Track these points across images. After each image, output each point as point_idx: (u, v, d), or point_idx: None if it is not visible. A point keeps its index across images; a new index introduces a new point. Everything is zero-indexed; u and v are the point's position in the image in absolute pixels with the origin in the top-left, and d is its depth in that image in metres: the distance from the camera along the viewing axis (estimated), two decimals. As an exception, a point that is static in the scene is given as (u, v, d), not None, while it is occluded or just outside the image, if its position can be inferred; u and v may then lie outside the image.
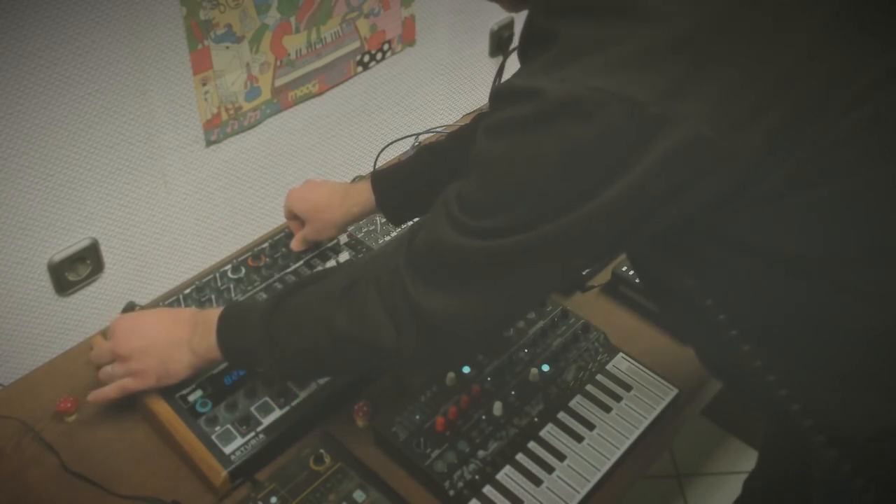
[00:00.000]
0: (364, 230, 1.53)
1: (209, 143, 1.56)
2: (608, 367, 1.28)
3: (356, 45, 1.71)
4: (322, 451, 1.15)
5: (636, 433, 1.20)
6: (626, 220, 0.79)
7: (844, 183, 0.79)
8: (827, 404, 0.90)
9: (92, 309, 1.52)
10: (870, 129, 0.79)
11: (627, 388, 1.26)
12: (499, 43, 2.04)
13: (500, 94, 0.81)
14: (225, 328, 1.10)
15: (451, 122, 1.70)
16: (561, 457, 1.16)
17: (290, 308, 1.04)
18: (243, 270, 1.42)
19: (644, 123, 0.72)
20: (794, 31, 0.75)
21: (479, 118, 1.05)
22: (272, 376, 1.19)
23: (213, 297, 1.32)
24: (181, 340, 1.15)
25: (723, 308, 0.89)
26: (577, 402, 1.23)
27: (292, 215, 1.44)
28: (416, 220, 0.89)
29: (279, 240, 1.48)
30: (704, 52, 0.73)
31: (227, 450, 1.13)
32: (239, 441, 1.15)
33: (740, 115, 0.74)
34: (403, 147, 1.61)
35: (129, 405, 1.23)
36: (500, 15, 2.02)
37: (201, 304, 1.31)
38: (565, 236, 0.80)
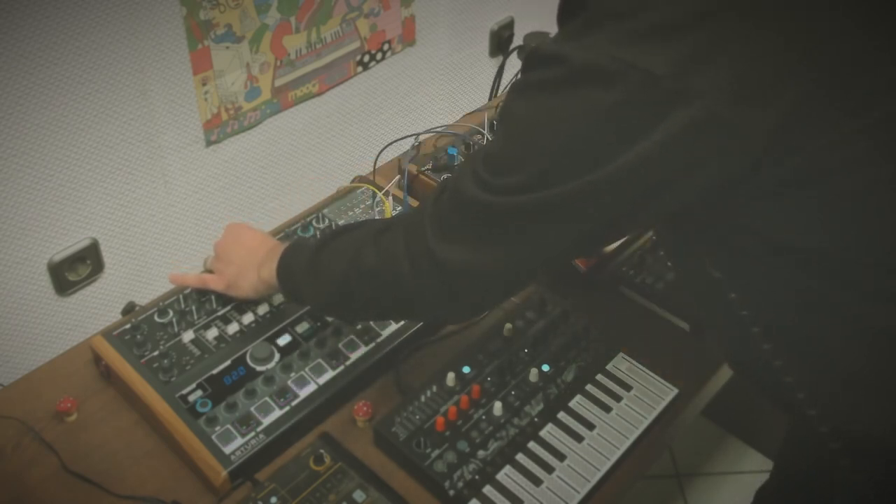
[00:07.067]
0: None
1: (209, 143, 1.56)
2: (608, 367, 1.28)
3: (356, 45, 1.71)
4: (322, 451, 1.15)
5: (636, 433, 1.20)
6: (637, 191, 0.80)
7: (861, 176, 0.80)
8: (840, 407, 0.90)
9: (92, 309, 1.52)
10: (886, 125, 0.79)
11: (627, 388, 1.26)
12: (499, 43, 2.04)
13: (530, 58, 0.83)
14: (283, 258, 1.16)
15: (451, 122, 1.70)
16: (561, 457, 1.16)
17: (334, 245, 1.09)
18: (243, 270, 1.41)
19: (660, 96, 0.74)
20: (813, 14, 0.76)
21: None
22: (315, 309, 1.26)
23: (212, 297, 1.32)
24: (256, 263, 1.23)
25: (745, 303, 0.90)
26: (577, 402, 1.23)
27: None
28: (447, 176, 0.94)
29: (279, 240, 1.48)
30: (723, 28, 0.74)
31: (227, 450, 1.13)
32: (239, 441, 1.14)
33: (755, 94, 0.74)
34: (403, 147, 1.61)
35: (129, 405, 1.24)
36: (499, 15, 2.02)
37: (201, 305, 1.31)
38: (577, 199, 0.81)
